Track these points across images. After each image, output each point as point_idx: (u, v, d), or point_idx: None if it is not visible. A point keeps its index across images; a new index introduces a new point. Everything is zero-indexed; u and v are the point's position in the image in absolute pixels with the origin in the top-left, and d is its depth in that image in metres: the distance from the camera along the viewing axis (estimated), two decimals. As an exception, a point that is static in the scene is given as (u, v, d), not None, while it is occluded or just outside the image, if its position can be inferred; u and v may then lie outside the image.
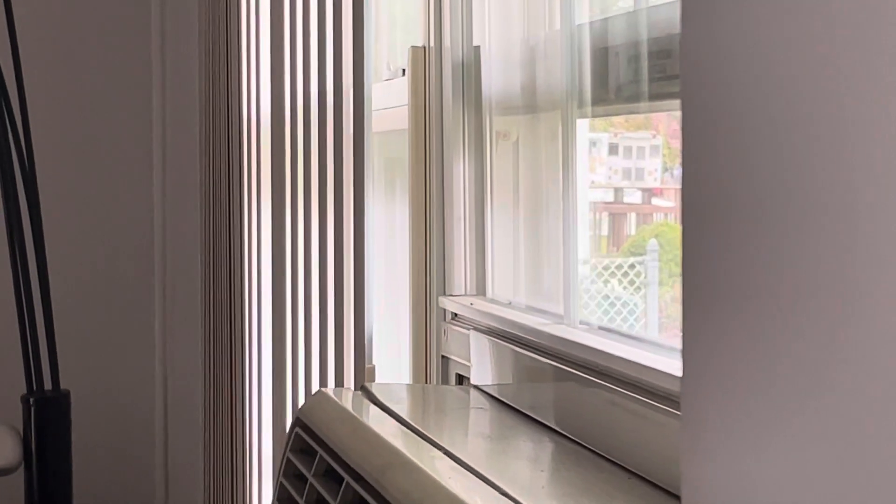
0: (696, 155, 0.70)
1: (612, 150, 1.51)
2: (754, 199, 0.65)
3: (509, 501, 1.05)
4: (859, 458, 0.58)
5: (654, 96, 1.33)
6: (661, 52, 1.29)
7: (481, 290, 1.69)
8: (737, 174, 0.66)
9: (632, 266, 1.47)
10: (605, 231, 1.52)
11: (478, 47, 1.69)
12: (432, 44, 1.73)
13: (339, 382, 1.80)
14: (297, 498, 1.34)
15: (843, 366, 0.59)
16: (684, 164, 0.71)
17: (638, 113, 1.42)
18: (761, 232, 0.64)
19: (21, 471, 2.82)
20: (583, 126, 1.45)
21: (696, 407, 0.70)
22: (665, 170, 1.44)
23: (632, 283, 1.46)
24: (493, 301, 1.64)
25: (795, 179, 0.62)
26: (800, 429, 0.62)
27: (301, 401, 2.01)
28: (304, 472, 1.34)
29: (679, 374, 0.72)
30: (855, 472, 0.58)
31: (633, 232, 1.52)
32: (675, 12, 1.23)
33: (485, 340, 1.53)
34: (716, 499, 0.68)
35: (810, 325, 0.61)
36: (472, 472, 1.13)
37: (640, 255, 1.47)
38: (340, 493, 1.22)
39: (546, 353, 1.37)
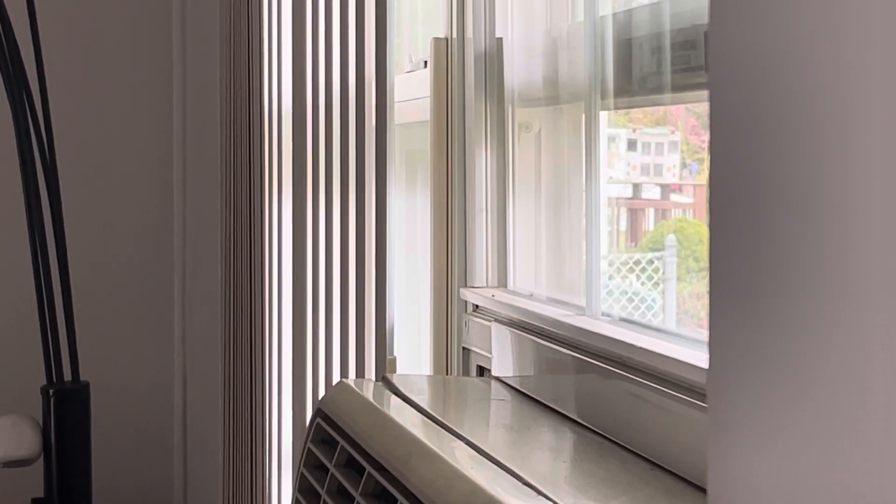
0: (725, 145, 0.70)
1: (631, 145, 1.51)
2: (783, 190, 0.65)
3: (531, 491, 1.05)
4: (893, 451, 0.57)
5: (678, 88, 1.33)
6: (686, 43, 1.29)
7: (503, 282, 1.69)
8: (766, 165, 0.66)
9: (650, 262, 1.47)
10: (623, 227, 1.52)
11: (500, 39, 1.69)
12: (454, 35, 1.72)
13: (360, 373, 1.80)
14: (318, 488, 1.34)
15: (876, 358, 0.58)
16: (712, 155, 0.70)
17: (661, 105, 1.42)
18: (790, 222, 0.64)
19: (40, 462, 2.83)
20: (602, 121, 1.45)
21: (723, 400, 0.70)
22: (683, 166, 1.44)
23: (650, 278, 1.46)
24: (514, 293, 1.64)
25: (825, 171, 0.62)
26: (829, 422, 0.61)
27: (322, 392, 2.01)
28: (326, 462, 1.34)
29: (703, 365, 0.72)
30: (888, 466, 0.58)
31: (651, 228, 1.52)
32: (700, 3, 1.23)
33: (506, 332, 1.53)
34: (743, 492, 0.68)
35: (840, 318, 0.61)
36: (493, 462, 1.13)
37: (659, 250, 1.47)
38: (362, 483, 1.22)
39: (568, 344, 1.37)
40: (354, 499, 1.23)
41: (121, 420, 3.49)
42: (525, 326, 1.50)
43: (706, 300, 0.71)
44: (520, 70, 1.65)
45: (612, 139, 1.50)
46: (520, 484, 1.07)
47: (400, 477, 1.15)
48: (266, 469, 2.44)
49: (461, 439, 1.21)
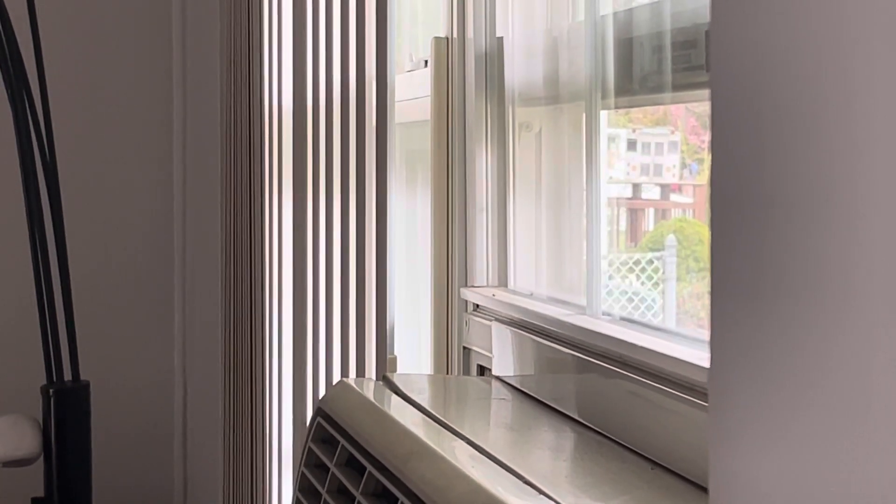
0: (726, 144, 0.70)
1: (631, 145, 1.51)
2: (785, 190, 0.65)
3: (532, 490, 1.05)
4: (894, 450, 0.57)
5: (679, 87, 1.33)
6: (686, 43, 1.29)
7: (503, 282, 1.69)
8: (767, 165, 0.66)
9: (650, 262, 1.47)
10: (623, 227, 1.52)
11: (501, 38, 1.69)
12: (455, 35, 1.72)
13: (361, 373, 1.80)
14: (318, 487, 1.34)
15: (878, 357, 0.58)
16: (713, 154, 0.70)
17: (662, 104, 1.42)
18: (791, 222, 0.64)
19: (40, 461, 2.83)
20: (602, 121, 1.45)
21: (724, 399, 0.70)
22: (683, 166, 1.43)
23: (650, 278, 1.46)
24: (514, 292, 1.64)
25: (826, 170, 0.62)
26: (830, 421, 0.61)
27: (322, 391, 2.01)
28: (326, 461, 1.34)
29: (704, 364, 0.71)
30: (889, 465, 0.58)
31: (650, 228, 1.52)
32: (701, 2, 1.23)
33: (506, 331, 1.53)
34: (744, 491, 0.68)
35: (841, 317, 0.61)
36: (494, 461, 1.13)
37: (659, 250, 1.47)
38: (362, 482, 1.22)
39: (568, 343, 1.37)
40: (355, 498, 1.23)
41: (121, 420, 3.49)
42: (525, 326, 1.50)
43: (706, 300, 0.71)
44: (520, 69, 1.65)
45: (612, 139, 1.50)
46: (520, 483, 1.07)
47: (401, 476, 1.15)
48: (266, 468, 2.44)
49: (462, 438, 1.21)
